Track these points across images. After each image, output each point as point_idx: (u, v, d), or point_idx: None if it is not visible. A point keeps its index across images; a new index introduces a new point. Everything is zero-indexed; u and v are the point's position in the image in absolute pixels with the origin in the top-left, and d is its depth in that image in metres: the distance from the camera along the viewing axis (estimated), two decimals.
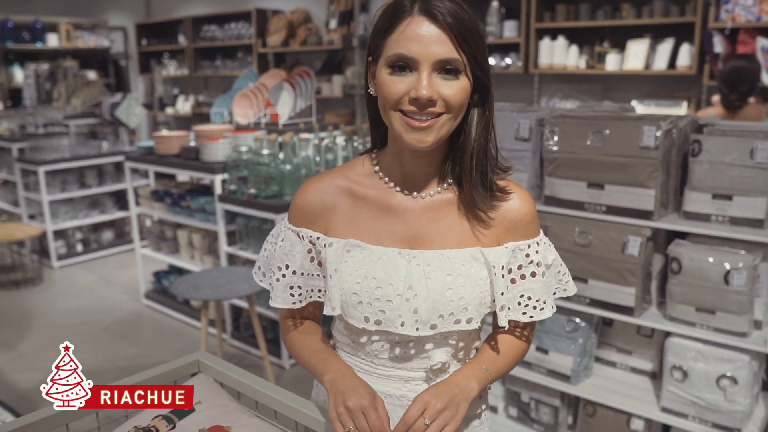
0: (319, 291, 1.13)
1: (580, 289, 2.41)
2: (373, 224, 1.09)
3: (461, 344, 1.13)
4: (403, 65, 0.96)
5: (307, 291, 1.14)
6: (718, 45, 4.12)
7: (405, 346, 1.10)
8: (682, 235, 2.33)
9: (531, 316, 1.11)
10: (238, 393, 1.30)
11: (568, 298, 2.45)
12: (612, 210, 2.31)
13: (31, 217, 5.94)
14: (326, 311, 1.09)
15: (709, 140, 2.18)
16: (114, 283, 5.17)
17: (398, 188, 1.10)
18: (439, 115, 0.98)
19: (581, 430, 2.61)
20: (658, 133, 2.17)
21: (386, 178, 1.11)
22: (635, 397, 2.47)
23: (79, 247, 5.80)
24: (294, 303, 1.15)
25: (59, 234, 5.67)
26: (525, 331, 1.18)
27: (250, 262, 3.72)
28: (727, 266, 2.09)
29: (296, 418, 1.17)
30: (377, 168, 1.12)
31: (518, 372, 2.66)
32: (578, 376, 2.55)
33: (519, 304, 1.11)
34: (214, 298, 3.03)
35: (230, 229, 3.80)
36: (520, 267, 1.10)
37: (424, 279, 1.04)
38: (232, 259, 3.85)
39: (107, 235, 6.00)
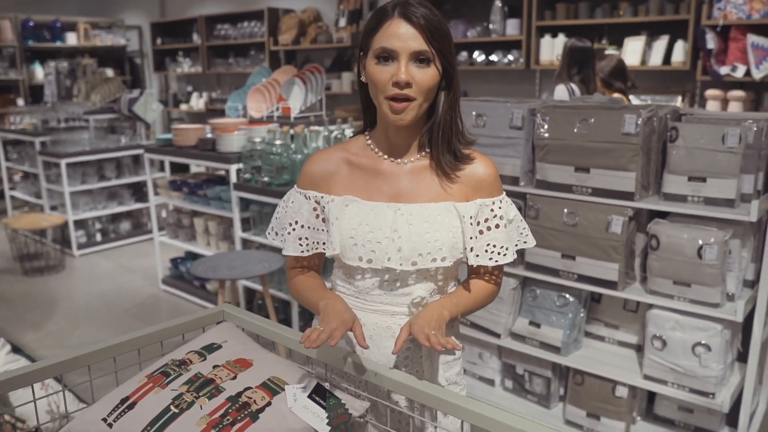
0: (323, 243, 1.38)
1: (568, 266, 2.62)
2: (366, 185, 1.35)
3: (439, 282, 1.37)
4: (387, 56, 1.22)
5: (313, 242, 1.38)
6: (711, 41, 4.30)
7: (392, 283, 1.34)
8: (663, 215, 2.52)
9: (496, 261, 1.35)
10: (257, 336, 1.51)
11: (558, 275, 2.66)
12: (597, 192, 2.52)
13: (53, 208, 6.20)
14: (328, 252, 1.34)
15: (685, 127, 2.37)
16: (133, 270, 5.41)
17: (386, 156, 1.36)
18: (413, 99, 1.23)
19: (571, 398, 2.81)
20: (639, 121, 2.37)
21: (376, 149, 1.37)
22: (620, 366, 2.67)
23: (99, 237, 6.05)
24: (302, 252, 1.39)
25: (79, 224, 5.92)
26: (493, 275, 1.42)
27: (264, 247, 3.95)
28: (700, 242, 2.29)
29: (307, 353, 1.38)
30: (369, 142, 1.38)
31: (512, 344, 2.86)
32: (568, 348, 2.75)
33: (486, 251, 1.34)
34: (231, 277, 3.25)
35: (244, 216, 4.03)
36: (486, 220, 1.34)
37: (407, 225, 1.29)
38: (246, 244, 4.08)
39: (125, 225, 6.25)
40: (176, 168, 6.10)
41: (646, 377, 2.55)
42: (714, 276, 2.30)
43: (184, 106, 8.51)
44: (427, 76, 1.23)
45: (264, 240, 3.88)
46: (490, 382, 3.09)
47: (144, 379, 1.35)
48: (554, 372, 2.88)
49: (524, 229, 1.42)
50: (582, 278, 2.60)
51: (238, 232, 4.02)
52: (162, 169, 6.09)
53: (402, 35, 1.21)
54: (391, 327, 1.35)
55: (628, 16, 4.75)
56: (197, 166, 5.51)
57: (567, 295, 2.75)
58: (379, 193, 1.34)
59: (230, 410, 1.23)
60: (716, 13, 4.30)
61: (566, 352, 2.74)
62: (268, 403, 1.25)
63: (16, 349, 2.79)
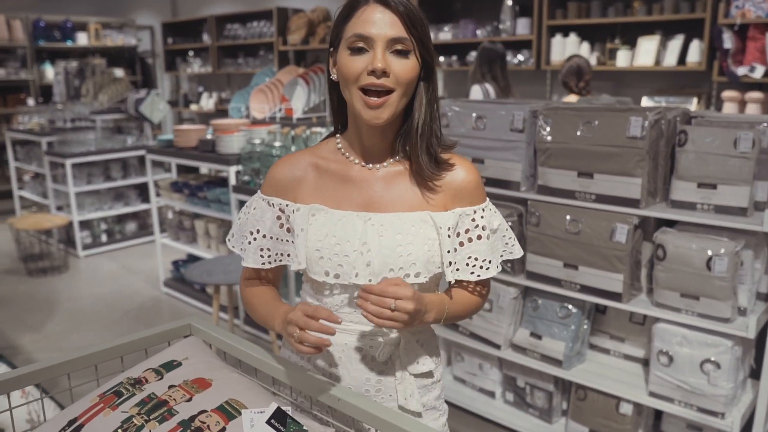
0: (287, 255, 1.26)
1: (570, 276, 2.50)
2: (335, 193, 1.23)
3: None
4: (361, 45, 1.10)
5: (276, 254, 1.27)
6: (728, 41, 4.14)
7: None
8: (670, 224, 2.39)
9: (478, 275, 1.23)
10: (224, 354, 1.41)
11: (560, 285, 2.54)
12: (601, 198, 2.39)
13: (59, 208, 6.17)
14: (293, 267, 1.22)
15: (695, 131, 2.24)
16: (135, 272, 5.36)
17: (357, 161, 1.24)
18: (391, 91, 1.11)
19: (573, 414, 2.68)
20: (645, 124, 2.24)
21: (347, 154, 1.25)
22: (625, 382, 2.54)
23: (104, 238, 6.01)
24: (263, 264, 1.27)
25: (85, 224, 5.88)
26: (477, 288, 1.30)
27: None
28: (709, 253, 2.15)
29: (271, 374, 1.28)
30: (340, 146, 1.27)
31: (513, 356, 2.74)
32: (570, 361, 2.62)
33: (467, 264, 1.22)
34: (225, 282, 3.17)
35: None
36: (467, 231, 1.22)
37: (378, 237, 1.17)
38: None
39: (130, 226, 6.21)
40: (182, 169, 6.04)
41: (652, 394, 2.42)
42: (724, 289, 2.16)
43: (194, 106, 8.47)
44: (406, 67, 1.11)
45: None
46: (491, 394, 2.97)
47: (96, 398, 1.26)
48: (556, 386, 2.75)
49: (510, 238, 1.31)
50: (585, 289, 2.47)
51: None
52: (168, 170, 6.03)
53: (378, 21, 1.09)
54: (362, 348, 1.24)
55: (642, 14, 4.60)
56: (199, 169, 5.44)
57: (570, 306, 2.62)
58: (348, 201, 1.22)
59: None
60: (734, 11, 4.14)
61: (568, 366, 2.61)
62: (223, 429, 1.15)
63: None
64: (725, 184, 2.19)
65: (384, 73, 1.09)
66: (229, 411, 1.19)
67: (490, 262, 1.24)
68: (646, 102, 4.62)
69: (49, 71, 8.05)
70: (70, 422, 1.21)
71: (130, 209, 6.11)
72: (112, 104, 6.49)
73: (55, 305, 4.63)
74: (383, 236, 1.17)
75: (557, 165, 2.48)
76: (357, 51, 1.11)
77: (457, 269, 1.22)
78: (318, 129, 3.87)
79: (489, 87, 4.15)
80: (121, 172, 6.04)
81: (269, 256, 1.27)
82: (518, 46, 5.29)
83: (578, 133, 2.40)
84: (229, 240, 1.35)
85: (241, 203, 3.89)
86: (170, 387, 1.26)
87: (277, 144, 3.67)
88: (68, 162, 5.56)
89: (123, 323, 4.25)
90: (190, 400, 1.22)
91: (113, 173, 6.00)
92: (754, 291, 2.28)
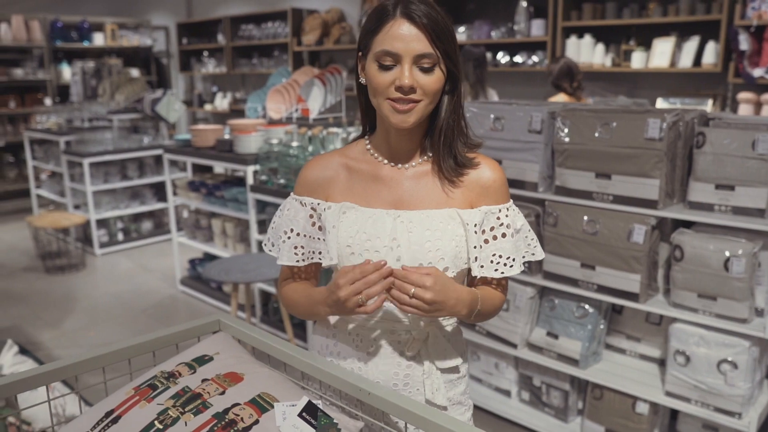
0: (320, 253, 1.30)
1: (588, 276, 2.52)
2: (365, 192, 1.28)
3: None
4: (389, 59, 1.15)
5: (309, 251, 1.31)
6: (744, 42, 4.14)
7: None
8: (688, 225, 2.41)
9: (502, 272, 1.26)
10: (252, 349, 1.45)
11: (577, 285, 2.56)
12: (618, 199, 2.41)
13: (77, 207, 6.25)
14: (325, 263, 1.27)
15: (713, 132, 2.26)
16: (152, 270, 5.42)
17: (386, 161, 1.29)
18: (418, 101, 1.16)
19: (589, 413, 2.70)
20: (663, 126, 2.26)
21: (376, 154, 1.30)
22: (641, 381, 2.56)
23: (120, 236, 6.08)
24: (297, 261, 1.32)
25: (102, 223, 5.95)
26: (500, 286, 1.33)
27: None
28: (727, 253, 2.17)
29: (301, 368, 1.32)
30: (369, 147, 1.31)
31: (529, 355, 2.76)
32: (587, 360, 2.64)
33: (492, 262, 1.26)
34: (243, 281, 3.20)
35: (261, 218, 3.98)
36: (492, 228, 1.26)
37: (407, 233, 1.21)
38: (262, 246, 4.03)
39: (146, 225, 6.27)
40: (198, 169, 6.10)
41: (668, 394, 2.44)
42: (742, 290, 2.18)
43: (208, 107, 8.54)
44: (431, 79, 1.16)
45: None
46: (507, 393, 3.00)
47: (131, 391, 1.30)
48: (572, 385, 2.77)
49: (532, 239, 1.34)
50: (602, 289, 2.49)
51: (254, 234, 3.98)
52: (184, 169, 6.09)
53: (405, 37, 1.13)
54: (391, 342, 1.28)
55: (657, 16, 4.60)
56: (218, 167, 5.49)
57: (586, 306, 2.64)
58: (378, 199, 1.27)
59: (216, 428, 1.17)
60: (750, 12, 4.14)
61: (585, 365, 2.63)
62: (256, 421, 1.18)
63: (23, 350, 2.77)
64: (743, 186, 2.20)
65: (411, 89, 1.14)
66: (261, 404, 1.22)
67: (513, 260, 1.27)
68: (660, 104, 4.62)
69: (66, 71, 8.14)
70: (108, 414, 1.25)
71: (145, 208, 6.17)
72: (129, 104, 6.56)
73: (72, 303, 4.70)
74: (412, 233, 1.21)
75: (575, 166, 2.50)
76: (385, 67, 1.15)
77: (482, 266, 1.25)
78: (334, 129, 3.90)
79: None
80: (137, 172, 6.11)
81: (303, 254, 1.31)
82: (533, 47, 5.30)
83: (596, 135, 2.42)
84: (265, 244, 1.39)
85: (259, 202, 3.94)
86: (203, 381, 1.30)
87: (294, 144, 3.71)
88: (86, 161, 5.63)
89: (140, 321, 4.30)
90: (223, 393, 1.26)
91: (129, 172, 6.07)
92: None
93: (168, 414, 1.20)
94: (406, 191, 1.26)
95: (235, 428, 1.17)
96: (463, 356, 1.35)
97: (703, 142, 2.27)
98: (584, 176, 2.48)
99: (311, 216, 1.30)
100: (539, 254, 1.35)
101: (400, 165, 1.28)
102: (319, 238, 1.30)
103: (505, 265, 1.26)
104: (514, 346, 2.80)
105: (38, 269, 5.47)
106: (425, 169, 1.28)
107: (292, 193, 1.35)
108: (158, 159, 6.24)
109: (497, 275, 1.26)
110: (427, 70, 1.15)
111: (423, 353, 1.28)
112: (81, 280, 5.25)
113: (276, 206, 3.85)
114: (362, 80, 1.24)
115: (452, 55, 1.17)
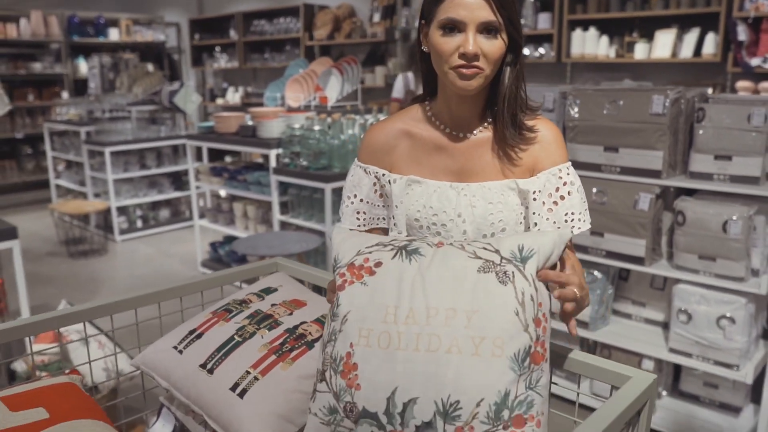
0: (382, 219, 1.37)
1: (596, 243, 2.72)
2: (428, 161, 1.31)
3: None
4: (453, 27, 1.17)
5: (370, 217, 1.37)
6: (742, 33, 4.34)
7: None
8: (689, 193, 2.61)
9: (579, 228, 1.28)
10: (308, 285, 1.66)
11: (587, 251, 2.76)
12: (625, 170, 2.61)
13: (96, 195, 6.45)
14: (392, 234, 1.33)
15: (712, 108, 2.46)
16: (171, 255, 5.62)
17: (447, 129, 1.31)
18: (482, 69, 1.18)
19: None
20: (666, 102, 2.46)
21: (437, 122, 1.32)
22: (647, 341, 2.76)
23: (139, 223, 6.29)
24: (359, 225, 1.37)
25: (121, 210, 6.16)
26: (571, 250, 1.31)
27: (302, 229, 4.11)
28: (725, 217, 2.38)
29: None
30: (430, 113, 1.33)
31: None
32: (596, 323, 2.85)
33: (566, 221, 1.27)
34: (269, 254, 3.40)
35: (283, 200, 4.19)
36: (557, 189, 1.27)
37: (470, 207, 1.27)
38: (284, 226, 4.24)
39: (164, 213, 6.48)
40: (213, 158, 6.30)
41: (672, 350, 2.64)
42: (739, 250, 2.38)
43: (220, 100, 8.75)
44: (494, 47, 1.17)
45: (301, 222, 4.04)
46: None
47: (209, 315, 1.51)
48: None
49: (584, 201, 1.32)
50: (610, 254, 2.70)
51: (277, 215, 4.18)
52: (200, 158, 6.30)
53: (469, 4, 1.14)
54: None
55: (659, 9, 4.81)
56: (232, 156, 5.69)
57: (595, 272, 2.84)
58: (441, 170, 1.30)
59: (288, 339, 1.37)
60: (748, 5, 4.34)
61: (594, 327, 2.84)
62: (321, 336, 1.39)
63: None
64: (739, 156, 2.41)
65: (475, 56, 1.16)
66: (325, 322, 1.43)
67: (582, 214, 1.28)
68: None
69: (83, 65, 8.35)
70: (191, 332, 1.46)
71: (163, 196, 6.38)
72: (147, 96, 6.77)
73: (98, 284, 4.90)
74: (476, 207, 1.26)
75: (585, 141, 2.70)
76: (449, 32, 1.17)
77: (559, 227, 1.26)
78: (353, 115, 4.11)
79: (410, 76, 4.69)
80: (155, 161, 6.32)
81: (364, 219, 1.37)
82: (539, 39, 5.51)
83: (604, 112, 2.63)
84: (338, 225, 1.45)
85: (281, 184, 4.14)
86: (272, 305, 1.50)
87: (316, 128, 3.91)
88: (107, 150, 5.83)
89: (163, 300, 4.49)
90: (291, 314, 1.47)
91: (148, 162, 6.27)
92: (766, 253, 2.50)
93: (245, 330, 1.41)
94: (468, 161, 1.29)
95: (305, 340, 1.38)
96: None
97: (703, 117, 2.48)
98: (593, 150, 2.69)
99: (374, 184, 1.35)
100: (587, 222, 1.33)
101: (461, 133, 1.30)
102: (380, 206, 1.35)
103: (579, 220, 1.27)
104: None
105: (62, 254, 5.67)
106: (486, 137, 1.29)
107: (356, 159, 1.39)
108: (175, 149, 6.44)
109: (575, 231, 1.26)
110: (490, 38, 1.16)
111: None
112: (104, 264, 5.46)
113: (298, 187, 4.06)
114: (425, 48, 1.25)
115: (515, 22, 1.18)
